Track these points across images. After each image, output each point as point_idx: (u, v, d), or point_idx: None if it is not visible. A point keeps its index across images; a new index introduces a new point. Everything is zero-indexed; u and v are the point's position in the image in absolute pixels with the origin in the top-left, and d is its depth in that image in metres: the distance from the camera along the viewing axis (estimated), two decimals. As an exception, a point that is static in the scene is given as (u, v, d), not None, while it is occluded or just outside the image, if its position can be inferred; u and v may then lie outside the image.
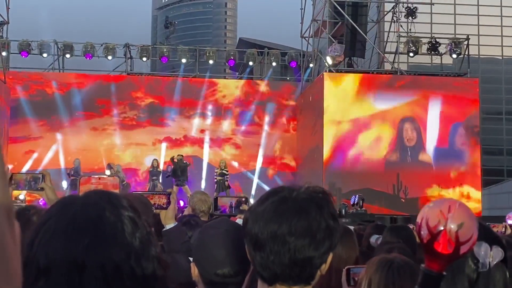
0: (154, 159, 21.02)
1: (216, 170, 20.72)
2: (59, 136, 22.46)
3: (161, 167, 21.39)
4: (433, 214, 1.78)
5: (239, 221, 3.23)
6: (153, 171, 20.60)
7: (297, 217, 1.61)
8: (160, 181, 20.65)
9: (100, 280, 1.10)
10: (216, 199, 3.59)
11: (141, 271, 1.14)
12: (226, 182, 20.44)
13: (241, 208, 3.42)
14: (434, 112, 20.31)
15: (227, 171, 20.72)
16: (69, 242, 1.12)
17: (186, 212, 5.47)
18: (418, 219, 1.83)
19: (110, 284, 1.11)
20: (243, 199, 3.50)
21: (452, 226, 1.76)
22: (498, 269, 2.38)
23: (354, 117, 20.00)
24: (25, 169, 21.66)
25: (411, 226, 11.98)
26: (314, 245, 1.61)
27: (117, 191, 2.32)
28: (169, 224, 3.33)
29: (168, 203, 3.29)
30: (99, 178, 2.09)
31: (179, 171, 19.77)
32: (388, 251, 3.27)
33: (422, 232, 1.80)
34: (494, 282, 2.40)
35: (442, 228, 1.76)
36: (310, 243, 1.60)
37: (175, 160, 19.90)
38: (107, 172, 20.06)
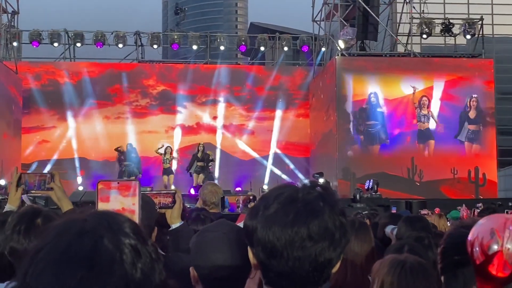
0: (168, 146, 21.00)
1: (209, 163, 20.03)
2: (71, 125, 22.52)
3: (174, 154, 21.37)
4: (487, 232, 1.60)
5: None
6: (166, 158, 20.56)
7: (312, 219, 1.52)
8: (174, 166, 20.67)
9: None
10: (223, 198, 3.52)
11: None
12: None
13: (248, 206, 3.35)
14: (448, 93, 20.11)
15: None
16: (62, 275, 1.03)
17: (198, 204, 5.41)
18: (470, 237, 1.63)
19: None
20: (251, 197, 3.44)
21: (509, 247, 1.60)
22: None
23: (367, 100, 19.85)
24: (38, 159, 21.78)
25: (425, 211, 11.80)
26: (333, 246, 1.54)
27: (135, 197, 2.26)
28: (175, 224, 3.27)
29: (174, 202, 3.24)
30: (118, 183, 2.00)
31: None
32: (399, 250, 3.20)
33: (474, 252, 1.61)
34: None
35: (497, 248, 1.59)
36: (329, 244, 1.53)
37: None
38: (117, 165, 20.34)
